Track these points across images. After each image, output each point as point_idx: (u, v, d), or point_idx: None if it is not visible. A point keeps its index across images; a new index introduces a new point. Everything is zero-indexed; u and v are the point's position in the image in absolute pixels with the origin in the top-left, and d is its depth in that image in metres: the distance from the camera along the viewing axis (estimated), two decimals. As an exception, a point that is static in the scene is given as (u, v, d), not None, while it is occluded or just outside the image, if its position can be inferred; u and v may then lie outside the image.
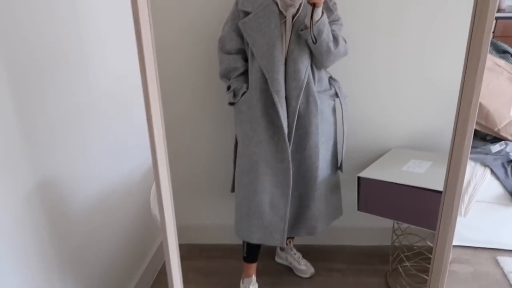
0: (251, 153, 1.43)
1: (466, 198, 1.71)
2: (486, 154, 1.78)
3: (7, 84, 0.90)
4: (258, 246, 1.59)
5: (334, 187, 1.62)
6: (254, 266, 1.64)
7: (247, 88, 1.42)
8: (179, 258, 1.06)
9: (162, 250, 1.87)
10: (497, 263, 1.78)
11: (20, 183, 0.95)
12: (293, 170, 1.45)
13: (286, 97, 1.38)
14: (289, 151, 1.39)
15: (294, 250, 1.81)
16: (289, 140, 1.40)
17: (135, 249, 1.65)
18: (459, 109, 0.82)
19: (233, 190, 1.60)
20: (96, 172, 1.31)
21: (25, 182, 0.97)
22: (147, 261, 1.75)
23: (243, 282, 1.65)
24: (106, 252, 1.39)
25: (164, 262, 1.92)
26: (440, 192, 0.98)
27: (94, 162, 1.30)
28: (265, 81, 1.36)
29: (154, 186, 0.92)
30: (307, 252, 1.88)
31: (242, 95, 1.42)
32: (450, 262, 1.81)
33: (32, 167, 0.99)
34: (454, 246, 1.89)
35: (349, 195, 1.85)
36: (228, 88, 1.45)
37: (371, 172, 1.55)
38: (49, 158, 1.06)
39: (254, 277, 1.65)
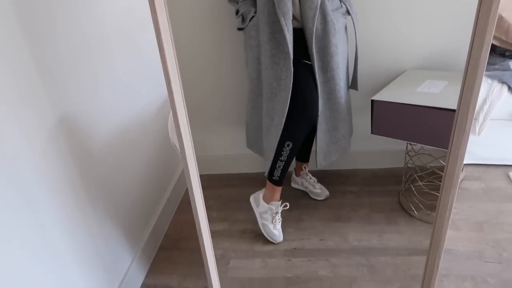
0: (256, 79, 1.47)
1: (481, 117, 1.70)
2: (505, 70, 1.73)
3: (17, 20, 0.90)
4: (285, 170, 1.56)
5: (349, 106, 1.64)
6: (279, 189, 1.62)
7: (255, 12, 1.38)
8: (200, 183, 1.11)
9: (183, 180, 1.96)
10: (509, 178, 1.82)
11: (42, 119, 0.99)
12: (319, 93, 1.45)
13: (301, 19, 1.35)
14: (291, 79, 1.37)
15: (310, 175, 1.88)
16: (312, 63, 1.40)
17: (157, 180, 1.73)
18: (477, 18, 0.79)
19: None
20: (108, 107, 1.33)
21: (46, 118, 1.01)
22: (170, 190, 1.85)
23: (268, 203, 1.64)
24: (130, 182, 1.47)
25: (186, 191, 2.01)
26: (455, 110, 0.98)
27: (106, 97, 1.32)
28: (272, 4, 1.32)
29: (171, 115, 0.95)
30: (322, 177, 1.95)
31: (251, 19, 1.39)
32: (462, 180, 1.85)
33: (49, 103, 1.02)
34: (466, 164, 1.92)
35: (362, 119, 1.86)
36: (237, 12, 1.41)
37: (385, 95, 1.54)
38: (63, 95, 1.09)
39: (281, 206, 1.64)
